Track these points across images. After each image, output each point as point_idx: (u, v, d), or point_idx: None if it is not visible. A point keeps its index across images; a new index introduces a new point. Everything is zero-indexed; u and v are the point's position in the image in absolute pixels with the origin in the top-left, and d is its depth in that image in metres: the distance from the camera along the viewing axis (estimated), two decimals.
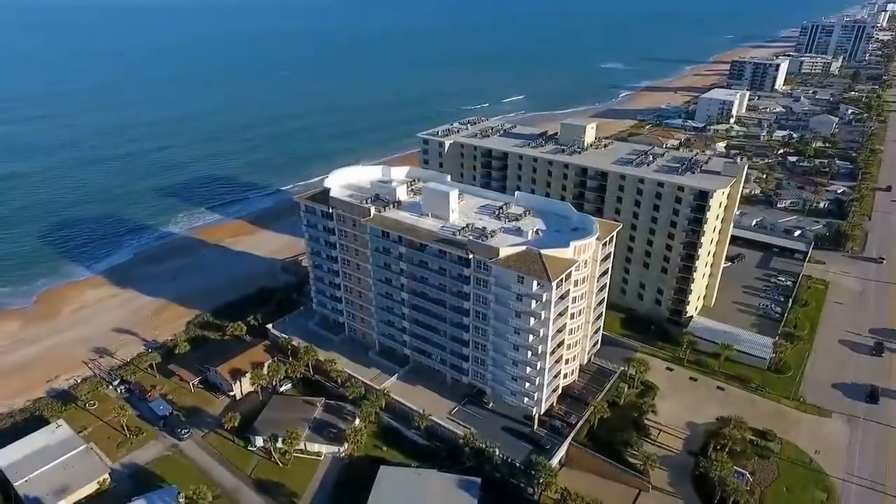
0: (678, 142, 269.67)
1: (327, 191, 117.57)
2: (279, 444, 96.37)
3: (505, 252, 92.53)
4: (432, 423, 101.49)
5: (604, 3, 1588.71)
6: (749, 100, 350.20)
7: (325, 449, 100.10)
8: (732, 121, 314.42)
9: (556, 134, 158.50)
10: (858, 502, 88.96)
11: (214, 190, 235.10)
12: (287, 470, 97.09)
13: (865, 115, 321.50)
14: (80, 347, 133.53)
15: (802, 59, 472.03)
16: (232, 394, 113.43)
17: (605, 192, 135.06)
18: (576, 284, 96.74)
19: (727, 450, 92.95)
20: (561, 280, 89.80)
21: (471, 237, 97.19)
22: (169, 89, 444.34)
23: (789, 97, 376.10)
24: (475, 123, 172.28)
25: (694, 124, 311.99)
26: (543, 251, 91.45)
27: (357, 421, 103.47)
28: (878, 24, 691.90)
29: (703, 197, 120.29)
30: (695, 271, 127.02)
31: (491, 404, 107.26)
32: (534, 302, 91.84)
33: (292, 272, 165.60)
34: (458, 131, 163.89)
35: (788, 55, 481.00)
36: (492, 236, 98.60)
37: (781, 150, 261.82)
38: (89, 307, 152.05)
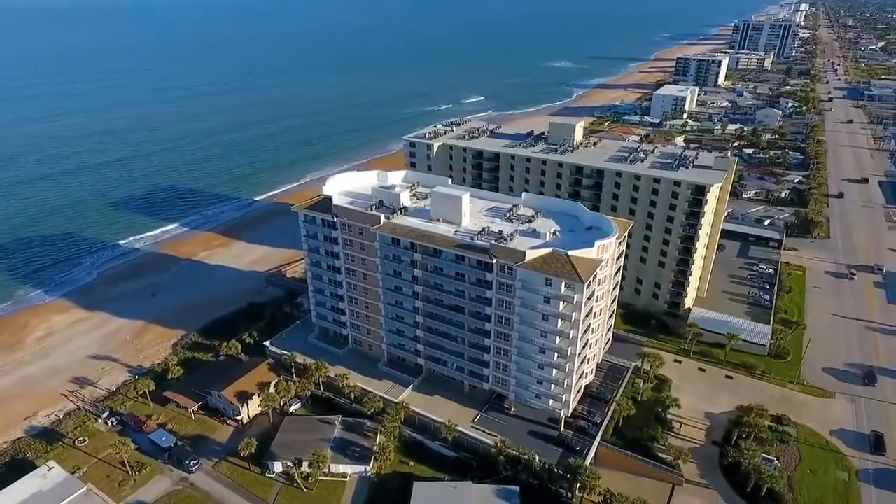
0: (639, 137, 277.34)
1: (328, 199, 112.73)
2: (305, 468, 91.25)
3: (531, 255, 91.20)
4: (459, 434, 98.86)
5: (540, 4, 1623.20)
6: (696, 95, 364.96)
7: (351, 469, 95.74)
8: (685, 116, 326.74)
9: (543, 133, 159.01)
10: (877, 479, 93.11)
11: (178, 202, 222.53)
12: (313, 495, 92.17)
13: (804, 107, 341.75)
14: (55, 379, 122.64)
15: (739, 55, 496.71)
16: (239, 418, 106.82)
17: (601, 189, 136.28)
18: (599, 284, 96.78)
19: (752, 437, 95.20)
20: (590, 281, 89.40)
21: (493, 241, 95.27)
22: (121, 95, 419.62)
23: (733, 92, 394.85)
24: (460, 125, 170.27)
25: (650, 120, 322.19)
26: (570, 252, 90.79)
27: (380, 437, 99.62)
28: (799, 23, 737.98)
29: (700, 191, 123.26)
30: (692, 264, 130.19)
31: (513, 409, 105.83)
32: (562, 304, 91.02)
33: (278, 284, 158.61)
34: (444, 133, 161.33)
35: (726, 52, 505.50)
36: (510, 240, 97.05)
37: (736, 143, 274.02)
38: (58, 333, 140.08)
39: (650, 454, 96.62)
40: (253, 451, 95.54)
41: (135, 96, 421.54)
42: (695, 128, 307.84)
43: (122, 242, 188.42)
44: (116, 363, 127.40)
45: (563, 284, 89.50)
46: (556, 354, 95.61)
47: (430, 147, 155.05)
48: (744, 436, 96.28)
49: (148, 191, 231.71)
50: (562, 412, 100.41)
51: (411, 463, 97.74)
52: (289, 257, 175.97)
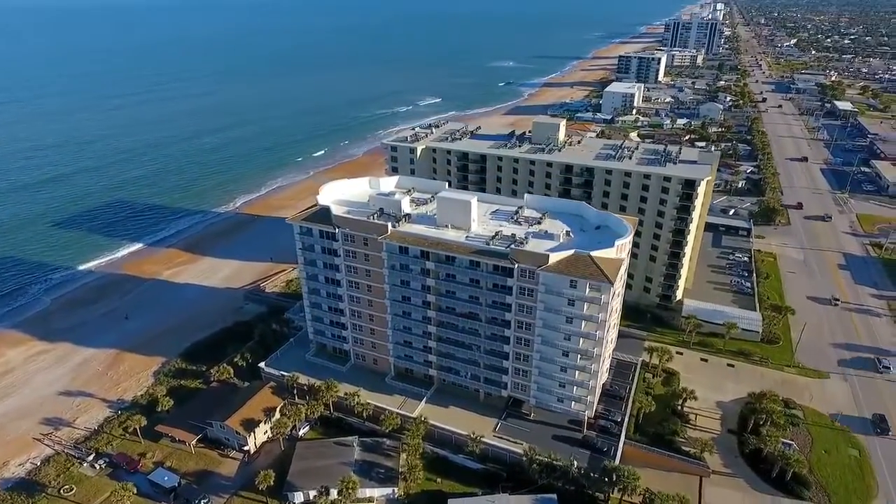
0: (595, 133, 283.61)
1: (326, 209, 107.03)
2: (334, 495, 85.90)
3: (555, 258, 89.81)
4: (485, 445, 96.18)
5: (473, 4, 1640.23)
6: (642, 92, 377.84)
7: (378, 492, 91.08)
8: (635, 112, 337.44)
9: (524, 133, 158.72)
10: (882, 449, 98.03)
11: (132, 219, 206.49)
12: None
13: (740, 101, 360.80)
14: (23, 421, 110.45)
15: (673, 53, 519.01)
16: (246, 448, 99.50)
17: (591, 187, 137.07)
18: (620, 283, 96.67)
19: (770, 423, 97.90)
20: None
21: (512, 246, 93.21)
22: (45, 105, 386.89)
23: (673, 88, 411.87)
24: (438, 126, 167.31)
25: (602, 116, 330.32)
26: (592, 253, 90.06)
27: (403, 455, 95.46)
28: (724, 22, 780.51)
29: (690, 185, 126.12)
30: (683, 257, 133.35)
31: (532, 414, 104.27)
32: (587, 305, 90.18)
33: (259, 300, 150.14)
34: (424, 136, 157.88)
35: (660, 50, 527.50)
36: (525, 243, 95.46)
37: (687, 137, 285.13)
38: (17, 370, 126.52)
39: (673, 448, 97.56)
40: (271, 482, 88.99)
41: (62, 105, 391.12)
42: (645, 123, 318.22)
43: (74, 266, 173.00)
44: (92, 398, 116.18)
45: (588, 286, 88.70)
46: (580, 356, 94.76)
47: (412, 151, 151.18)
48: (760, 422, 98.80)
49: (96, 209, 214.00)
50: (585, 413, 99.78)
51: (438, 479, 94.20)
52: (264, 271, 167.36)
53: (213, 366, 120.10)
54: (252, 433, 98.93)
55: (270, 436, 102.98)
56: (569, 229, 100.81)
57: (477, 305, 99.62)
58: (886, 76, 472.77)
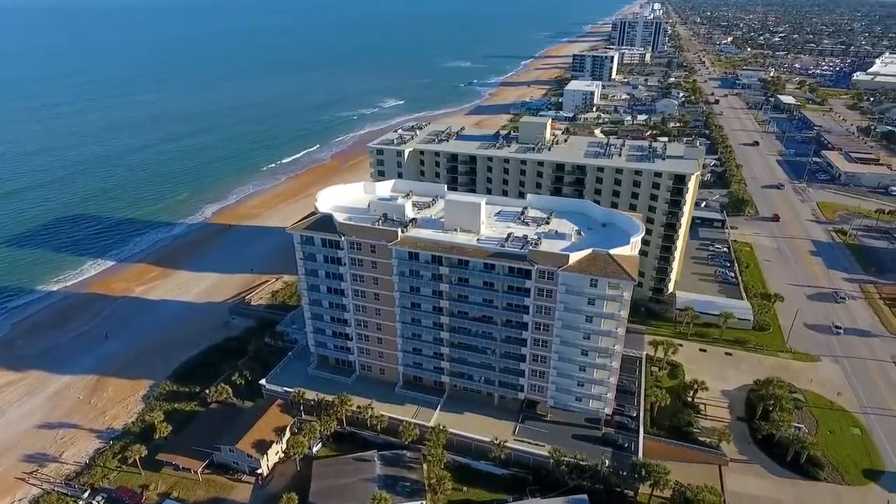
0: (560, 131, 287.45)
1: (328, 217, 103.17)
2: None
3: (574, 258, 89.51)
4: (509, 450, 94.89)
5: (418, 4, 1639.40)
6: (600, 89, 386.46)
7: None
8: (595, 109, 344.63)
9: (510, 133, 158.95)
10: (881, 426, 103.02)
11: (94, 236, 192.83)
12: None
13: (692, 97, 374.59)
14: (1, 460, 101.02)
15: (623, 51, 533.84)
16: (259, 471, 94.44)
17: (583, 185, 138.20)
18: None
19: (779, 409, 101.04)
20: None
21: (530, 247, 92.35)
22: None
23: (628, 85, 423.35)
24: (421, 128, 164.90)
25: (564, 114, 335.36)
26: (611, 251, 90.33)
27: (426, 466, 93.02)
28: (668, 21, 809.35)
29: (680, 180, 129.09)
30: (675, 250, 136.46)
31: (548, 415, 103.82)
32: (607, 303, 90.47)
33: (245, 314, 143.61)
34: (409, 138, 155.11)
35: (609, 48, 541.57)
36: (538, 244, 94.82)
37: (648, 133, 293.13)
38: None
39: (690, 439, 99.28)
40: None
41: None
42: (606, 120, 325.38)
43: (33, 287, 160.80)
44: (77, 429, 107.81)
45: (608, 284, 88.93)
46: (599, 354, 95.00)
47: (400, 154, 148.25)
48: (770, 408, 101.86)
49: (50, 226, 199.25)
50: (603, 411, 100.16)
51: (464, 488, 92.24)
52: (246, 283, 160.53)
53: (207, 386, 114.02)
54: (265, 455, 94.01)
55: (282, 456, 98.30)
56: (579, 228, 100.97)
57: (491, 309, 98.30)
58: (818, 71, 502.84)
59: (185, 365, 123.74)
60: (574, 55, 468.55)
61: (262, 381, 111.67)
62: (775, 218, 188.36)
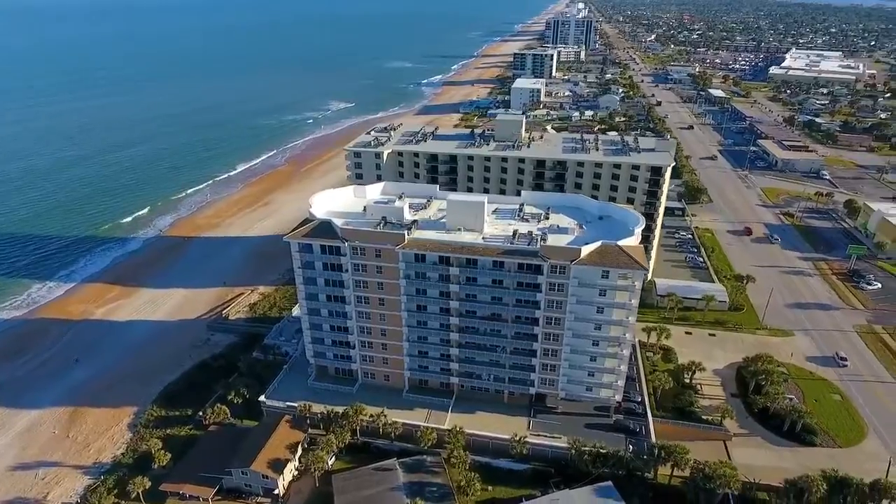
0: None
1: (327, 223, 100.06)
2: None
3: (586, 251, 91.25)
4: (529, 445, 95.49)
5: (345, 5, 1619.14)
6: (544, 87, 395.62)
7: None
8: (542, 106, 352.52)
9: (484, 132, 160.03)
10: (858, 390, 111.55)
11: (36, 258, 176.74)
12: None
13: (631, 93, 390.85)
14: None
15: (559, 49, 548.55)
16: (276, 492, 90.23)
17: (563, 179, 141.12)
18: None
19: (770, 383, 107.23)
20: None
21: (539, 243, 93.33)
22: None
23: (569, 82, 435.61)
24: (395, 129, 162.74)
25: (513, 112, 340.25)
26: (619, 243, 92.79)
27: (449, 469, 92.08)
28: (599, 20, 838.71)
29: (657, 172, 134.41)
30: (654, 239, 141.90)
31: (559, 407, 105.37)
32: (618, 294, 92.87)
33: (226, 330, 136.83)
34: (385, 140, 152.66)
35: (546, 46, 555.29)
36: (545, 239, 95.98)
37: (597, 127, 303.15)
38: None
39: (695, 418, 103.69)
40: None
41: None
42: (554, 116, 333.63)
43: None
44: (60, 467, 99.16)
45: (619, 275, 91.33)
46: (610, 344, 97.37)
47: (378, 156, 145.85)
48: (762, 382, 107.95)
49: None
50: (614, 399, 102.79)
51: (489, 488, 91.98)
52: (218, 297, 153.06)
53: (200, 408, 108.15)
54: (281, 474, 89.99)
55: (295, 474, 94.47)
56: (580, 222, 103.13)
57: (501, 306, 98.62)
58: (736, 66, 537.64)
59: (169, 387, 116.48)
60: (514, 54, 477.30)
61: (262, 398, 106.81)
62: (747, 231, 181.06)
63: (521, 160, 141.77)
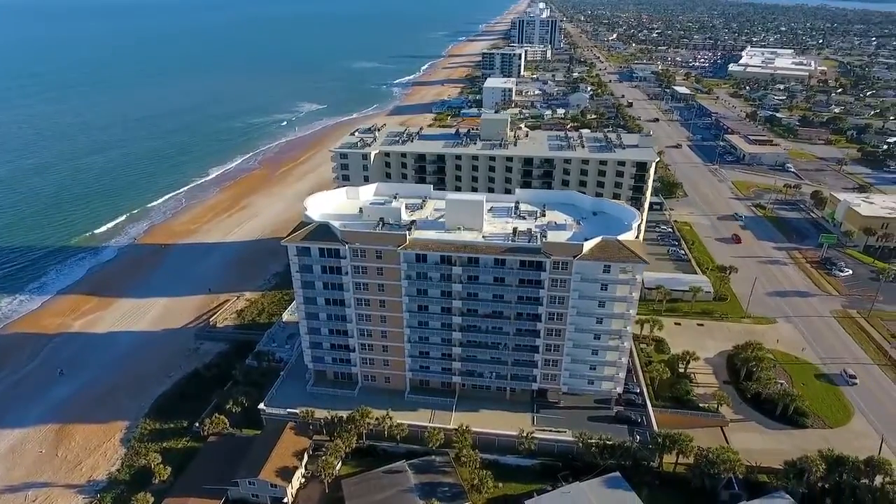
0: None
1: (325, 226, 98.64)
2: None
3: (587, 246, 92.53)
4: (537, 441, 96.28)
5: (306, 4, 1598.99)
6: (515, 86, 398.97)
7: None
8: (514, 105, 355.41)
9: (469, 131, 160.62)
10: (839, 372, 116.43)
11: (8, 274, 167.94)
12: None
13: (599, 90, 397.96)
14: None
15: (525, 48, 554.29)
16: (284, 501, 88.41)
17: (551, 177, 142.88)
18: None
19: (762, 369, 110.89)
20: None
21: (542, 239, 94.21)
22: None
23: (538, 81, 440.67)
24: (379, 130, 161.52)
25: (487, 111, 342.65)
26: (619, 237, 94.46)
27: (459, 469, 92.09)
28: (562, 19, 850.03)
29: (642, 167, 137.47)
30: (640, 233, 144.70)
31: (561, 402, 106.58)
32: (620, 287, 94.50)
33: (214, 338, 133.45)
34: (370, 141, 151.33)
35: (512, 45, 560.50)
36: (545, 236, 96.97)
37: (570, 125, 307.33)
38: None
39: (692, 406, 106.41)
40: None
41: None
42: (527, 115, 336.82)
43: None
44: (51, 487, 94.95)
45: (620, 268, 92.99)
46: (612, 337, 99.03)
47: (366, 156, 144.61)
48: (753, 369, 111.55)
49: None
50: (615, 391, 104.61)
51: (500, 484, 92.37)
52: (203, 305, 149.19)
53: (196, 419, 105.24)
54: (290, 482, 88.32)
55: (302, 481, 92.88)
56: (576, 218, 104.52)
57: (503, 304, 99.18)
58: (696, 64, 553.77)
59: (161, 399, 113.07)
60: (483, 53, 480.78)
61: (262, 406, 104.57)
62: (736, 240, 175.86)
63: (509, 159, 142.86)
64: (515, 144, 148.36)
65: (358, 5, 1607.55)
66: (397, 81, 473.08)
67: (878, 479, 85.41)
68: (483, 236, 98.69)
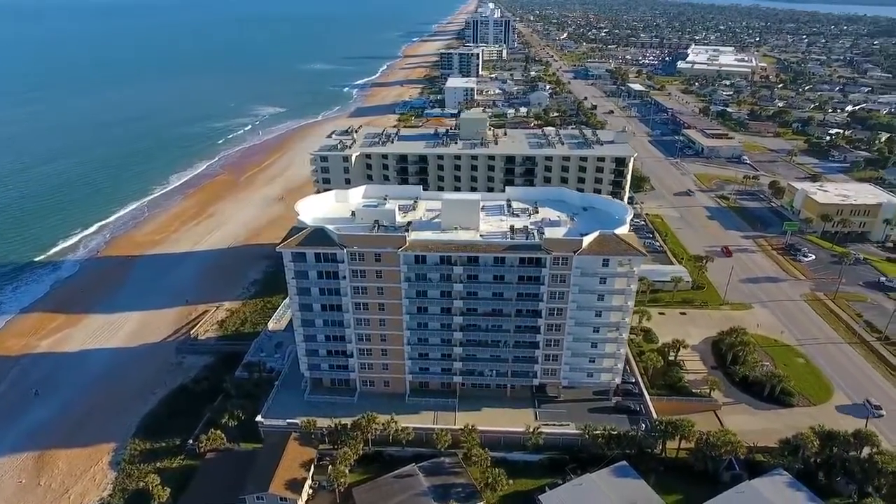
0: (450, 127, 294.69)
1: (320, 230, 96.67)
2: None
3: (586, 241, 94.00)
4: (544, 436, 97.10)
5: (251, 5, 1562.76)
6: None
7: None
8: (477, 104, 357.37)
9: (448, 130, 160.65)
10: (816, 352, 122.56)
11: None
12: None
13: (557, 89, 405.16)
14: None
15: (481, 48, 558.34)
16: None
17: (533, 174, 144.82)
18: None
19: (747, 354, 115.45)
20: None
21: (543, 236, 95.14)
22: None
23: (497, 80, 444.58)
24: (356, 132, 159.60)
25: (450, 111, 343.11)
26: (615, 231, 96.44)
27: (470, 469, 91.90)
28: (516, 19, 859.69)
29: (621, 163, 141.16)
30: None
31: (561, 396, 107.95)
32: (618, 280, 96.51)
33: (198, 351, 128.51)
34: (349, 144, 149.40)
35: (468, 45, 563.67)
36: (542, 232, 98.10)
37: (533, 123, 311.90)
38: None
39: (686, 393, 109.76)
40: None
41: None
42: (490, 114, 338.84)
43: None
44: None
45: (619, 262, 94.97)
46: (610, 329, 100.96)
47: (346, 159, 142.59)
48: (739, 354, 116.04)
49: None
50: (614, 382, 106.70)
51: (511, 481, 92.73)
52: (180, 317, 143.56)
53: (188, 436, 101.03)
54: (300, 494, 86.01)
55: (310, 492, 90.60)
56: (569, 214, 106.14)
57: (503, 301, 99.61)
58: (646, 61, 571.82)
59: (148, 418, 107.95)
60: (441, 53, 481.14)
61: (259, 418, 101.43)
62: (727, 253, 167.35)
63: (492, 157, 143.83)
64: (496, 143, 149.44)
65: (308, 7, 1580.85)
66: (356, 83, 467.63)
67: (866, 451, 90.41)
68: (480, 235, 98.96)
